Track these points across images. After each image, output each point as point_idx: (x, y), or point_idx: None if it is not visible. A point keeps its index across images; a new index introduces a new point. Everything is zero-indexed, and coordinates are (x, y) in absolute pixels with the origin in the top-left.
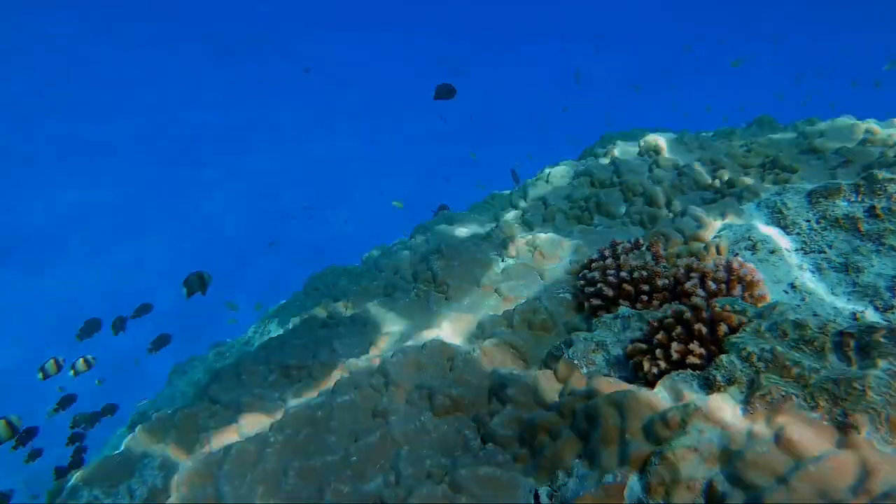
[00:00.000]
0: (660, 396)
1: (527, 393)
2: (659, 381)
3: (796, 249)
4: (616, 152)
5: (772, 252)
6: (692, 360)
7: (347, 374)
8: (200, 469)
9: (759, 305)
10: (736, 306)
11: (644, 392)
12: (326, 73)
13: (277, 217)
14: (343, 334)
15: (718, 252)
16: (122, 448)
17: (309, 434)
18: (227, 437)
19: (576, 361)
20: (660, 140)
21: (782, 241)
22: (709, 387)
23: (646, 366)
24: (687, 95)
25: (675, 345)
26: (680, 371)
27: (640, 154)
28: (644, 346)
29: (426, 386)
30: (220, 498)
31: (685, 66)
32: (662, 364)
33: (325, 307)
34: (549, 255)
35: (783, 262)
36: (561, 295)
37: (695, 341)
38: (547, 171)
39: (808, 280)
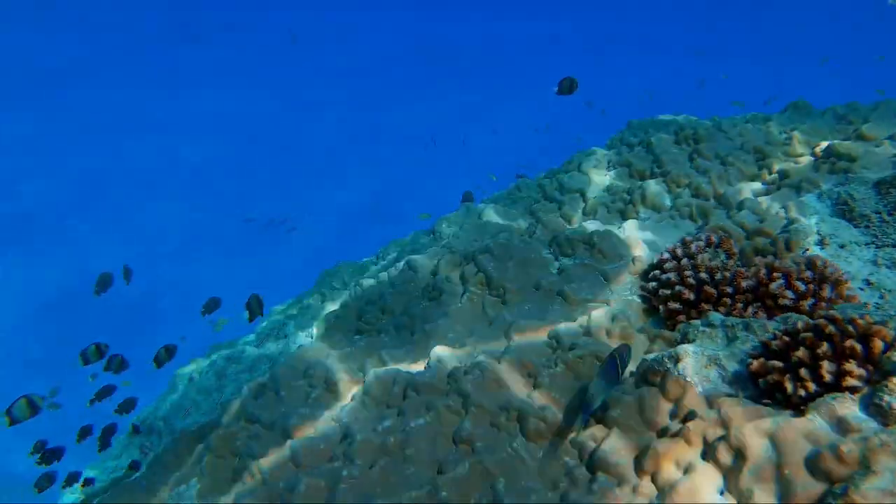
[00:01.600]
0: (816, 424)
1: (631, 413)
2: (810, 407)
3: (867, 243)
4: (653, 141)
5: (841, 247)
6: (850, 381)
7: (412, 392)
8: None
9: (869, 308)
10: (874, 316)
11: (801, 421)
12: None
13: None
14: (388, 344)
15: (788, 248)
16: (141, 475)
17: (386, 465)
18: (279, 465)
19: (688, 379)
20: (698, 128)
21: (851, 234)
22: (880, 415)
23: (788, 388)
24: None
25: (826, 364)
26: (834, 394)
27: (676, 143)
28: (777, 363)
29: (514, 407)
30: None
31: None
32: (811, 386)
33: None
34: (610, 253)
35: (854, 257)
36: (628, 298)
37: (850, 360)
38: (577, 160)
39: (886, 276)
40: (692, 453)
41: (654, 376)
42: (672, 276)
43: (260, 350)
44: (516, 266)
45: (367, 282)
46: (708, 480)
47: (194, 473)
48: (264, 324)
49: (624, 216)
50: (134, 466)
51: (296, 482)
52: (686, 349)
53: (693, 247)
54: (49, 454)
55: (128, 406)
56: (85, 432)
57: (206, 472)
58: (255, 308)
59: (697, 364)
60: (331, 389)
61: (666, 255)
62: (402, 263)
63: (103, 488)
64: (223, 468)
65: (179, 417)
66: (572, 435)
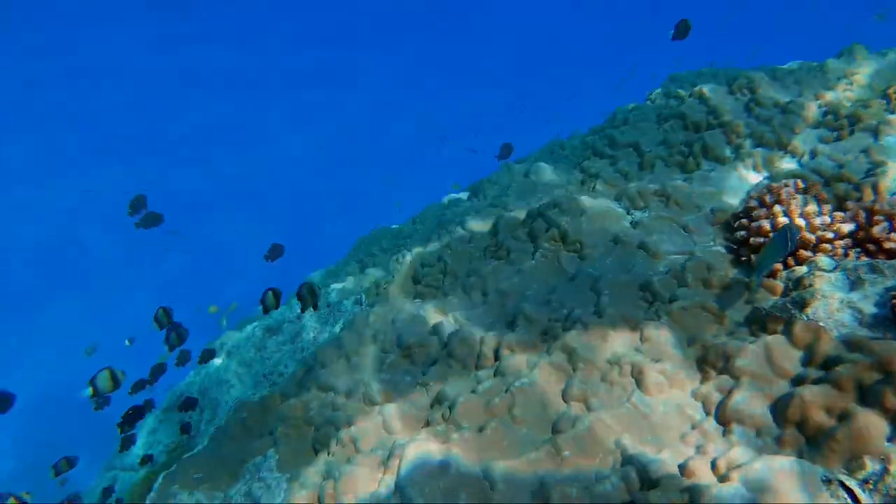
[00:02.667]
0: None
1: (759, 362)
2: None
3: None
4: (706, 91)
5: None
6: None
7: (506, 351)
8: (355, 479)
9: None
10: None
11: None
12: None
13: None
14: (459, 305)
15: (876, 192)
16: (206, 448)
17: (496, 428)
18: (370, 433)
19: (821, 323)
20: (753, 76)
21: None
22: None
23: None
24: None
25: None
26: None
27: (730, 93)
28: None
29: (626, 361)
30: None
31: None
32: None
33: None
34: (686, 204)
35: None
36: (713, 248)
37: None
38: (623, 115)
39: None
40: (845, 399)
41: (776, 323)
42: (765, 223)
43: (302, 321)
44: (590, 221)
45: (417, 247)
46: (873, 426)
47: (267, 445)
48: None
49: (684, 169)
50: (186, 429)
51: (404, 448)
52: (811, 292)
53: (784, 193)
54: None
55: (157, 374)
56: (149, 405)
57: (282, 442)
58: (308, 298)
59: (827, 308)
60: (406, 354)
61: (753, 203)
62: (454, 226)
63: (164, 462)
64: (300, 438)
65: (223, 391)
66: (744, 297)
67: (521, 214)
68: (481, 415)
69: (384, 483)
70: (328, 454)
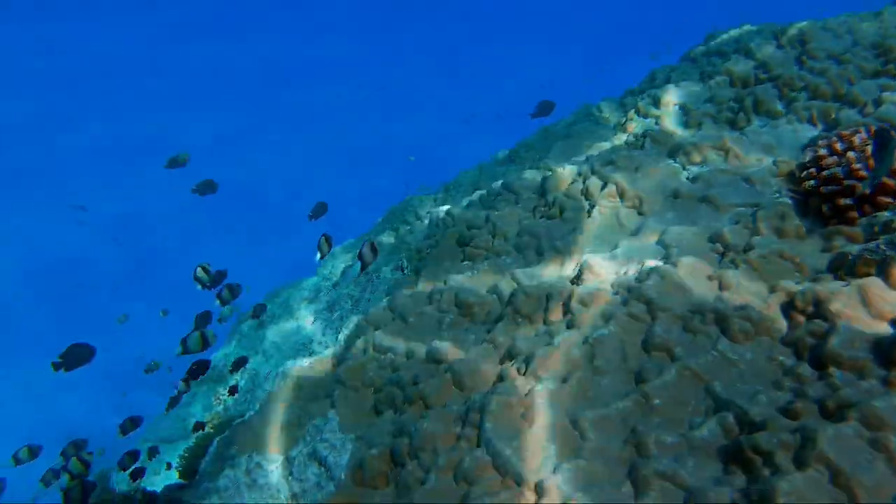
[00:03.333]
0: None
1: (853, 304)
2: None
3: None
4: (753, 46)
5: None
6: None
7: (577, 304)
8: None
9: None
10: None
11: None
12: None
13: None
14: (514, 264)
15: None
16: (258, 413)
17: (580, 378)
18: (441, 391)
19: None
20: (804, 27)
21: None
22: None
23: None
24: None
25: None
26: None
27: (779, 46)
28: None
29: (707, 309)
30: (502, 464)
31: None
32: None
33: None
34: (745, 156)
35: None
36: (778, 199)
37: None
38: (664, 74)
39: None
40: None
41: (868, 266)
42: (838, 170)
43: (339, 290)
44: (646, 176)
45: (458, 210)
46: None
47: (325, 408)
48: (326, 271)
49: (734, 125)
50: (233, 391)
51: (485, 402)
52: None
53: (857, 139)
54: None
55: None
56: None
57: (341, 404)
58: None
59: None
60: (466, 313)
61: (823, 151)
62: (498, 188)
63: (217, 426)
64: (359, 400)
65: (259, 361)
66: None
67: (570, 173)
68: (560, 367)
69: (466, 436)
70: (396, 413)
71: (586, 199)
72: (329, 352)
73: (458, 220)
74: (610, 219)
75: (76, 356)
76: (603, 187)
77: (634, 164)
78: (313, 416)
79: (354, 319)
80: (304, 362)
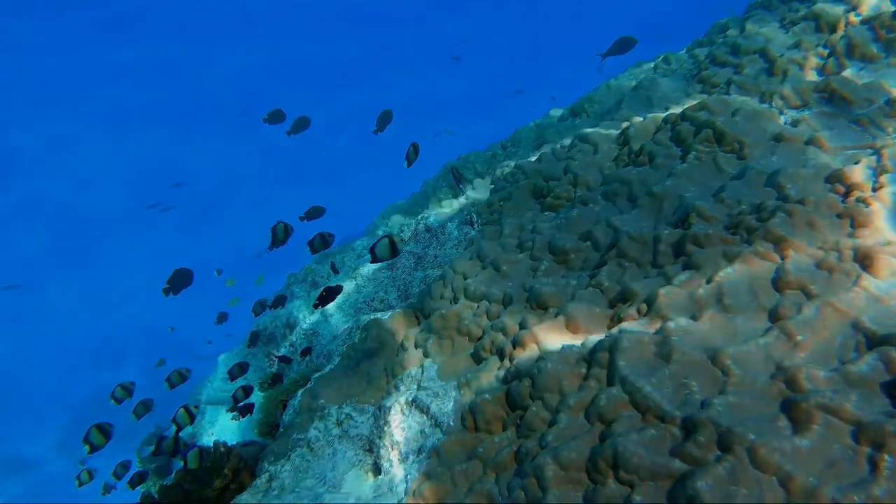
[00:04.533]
0: None
1: None
2: None
3: None
4: None
5: None
6: None
7: (691, 245)
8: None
9: None
10: None
11: None
12: None
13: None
14: (604, 213)
15: None
16: (340, 366)
17: (712, 315)
18: (553, 334)
19: None
20: None
21: None
22: None
23: None
24: None
25: None
26: None
27: None
28: None
29: (847, 246)
30: (651, 401)
31: None
32: None
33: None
34: (855, 97)
35: None
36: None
37: None
38: (737, 24)
39: None
40: None
41: None
42: None
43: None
44: (745, 120)
45: (528, 163)
46: None
47: (417, 357)
48: (380, 231)
49: (823, 72)
50: (285, 360)
51: (614, 341)
52: None
53: None
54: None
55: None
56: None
57: (436, 353)
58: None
59: None
60: (561, 259)
61: None
62: (569, 139)
63: (293, 381)
64: (455, 347)
65: (321, 321)
66: None
67: (654, 122)
68: (686, 306)
69: (594, 376)
70: (503, 359)
71: (678, 145)
72: (404, 305)
73: (532, 173)
74: (707, 164)
75: (180, 279)
76: (697, 132)
77: (730, 108)
78: (406, 366)
79: (436, 272)
80: (384, 315)
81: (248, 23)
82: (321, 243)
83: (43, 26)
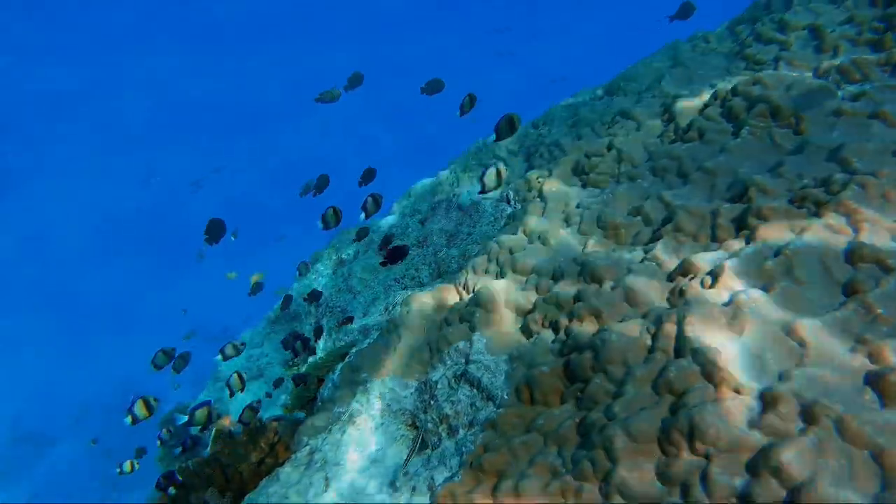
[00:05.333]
0: None
1: None
2: None
3: None
4: None
5: None
6: None
7: (755, 219)
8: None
9: None
10: None
11: None
12: None
13: None
14: (654, 188)
15: None
16: (379, 340)
17: (785, 288)
18: (613, 308)
19: None
20: None
21: None
22: None
23: None
24: None
25: None
26: None
27: None
28: None
29: None
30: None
31: None
32: None
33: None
34: None
35: None
36: None
37: None
38: (779, 2)
39: None
40: None
41: None
42: None
43: (430, 226)
44: (801, 94)
45: (566, 141)
46: None
47: (463, 332)
48: (408, 208)
49: (879, 47)
50: (318, 333)
51: (682, 312)
52: None
53: None
54: None
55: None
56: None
57: (484, 327)
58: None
59: None
60: (610, 234)
61: None
62: (610, 116)
63: (328, 357)
64: (503, 321)
65: (345, 298)
66: None
67: (698, 98)
68: (755, 279)
69: (661, 348)
70: (558, 332)
71: (729, 120)
72: (445, 280)
73: (572, 149)
74: (762, 140)
75: (216, 229)
76: (751, 107)
77: (784, 83)
78: (451, 341)
79: (475, 248)
80: (424, 290)
81: None
82: (374, 206)
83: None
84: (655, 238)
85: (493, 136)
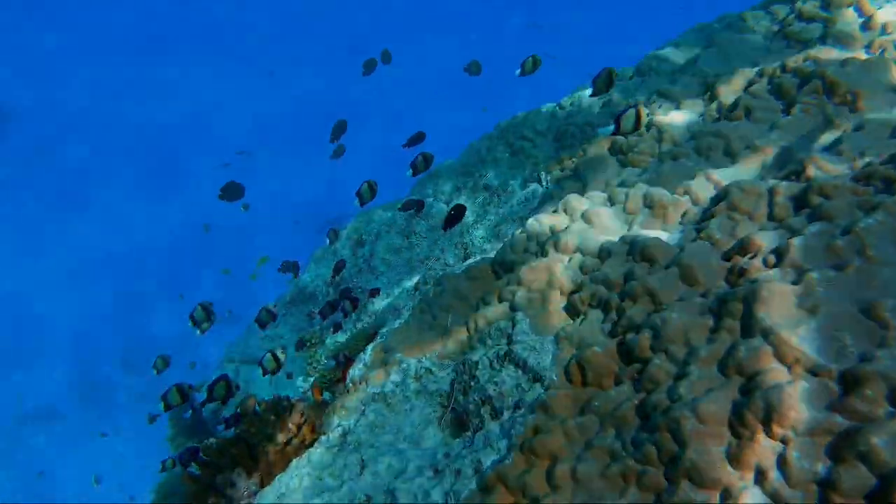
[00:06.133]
0: None
1: None
2: None
3: None
4: None
5: None
6: None
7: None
8: None
9: None
10: None
11: None
12: None
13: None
14: (695, 166)
15: None
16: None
17: (860, 267)
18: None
19: None
20: None
21: None
22: None
23: None
24: None
25: None
26: None
27: None
28: None
29: None
30: None
31: None
32: None
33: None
34: None
35: None
36: None
37: None
38: None
39: None
40: None
41: None
42: None
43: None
44: (857, 70)
45: (597, 120)
46: None
47: (502, 310)
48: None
49: None
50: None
51: (749, 291)
52: None
53: None
54: None
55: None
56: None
57: (524, 306)
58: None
59: None
60: (658, 213)
61: None
62: (648, 98)
63: (355, 337)
64: (547, 301)
65: (366, 279)
66: None
67: (742, 76)
68: (823, 258)
69: (726, 327)
70: (608, 311)
71: (778, 98)
72: (479, 259)
73: (606, 130)
74: (814, 116)
75: (233, 191)
76: (802, 84)
77: (838, 58)
78: (491, 320)
79: (510, 227)
80: (458, 269)
81: None
82: (423, 164)
83: None
84: (707, 217)
85: (523, 114)
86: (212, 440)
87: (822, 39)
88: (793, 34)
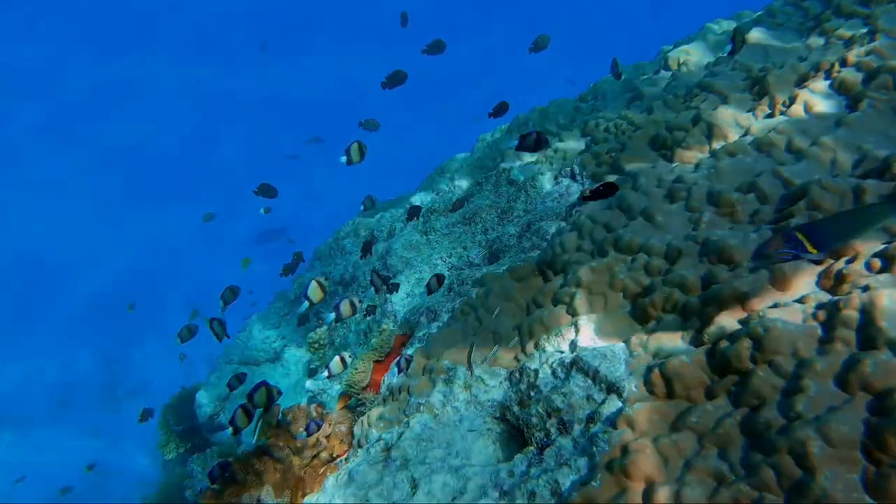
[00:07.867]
0: None
1: None
2: None
3: None
4: None
5: None
6: None
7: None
8: None
9: None
10: None
11: None
12: None
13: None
14: (755, 162)
15: None
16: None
17: None
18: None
19: None
20: None
21: None
22: None
23: None
24: None
25: None
26: None
27: None
28: None
29: None
30: None
31: None
32: None
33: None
34: None
35: None
36: None
37: None
38: None
39: None
40: None
41: None
42: None
43: (477, 202)
44: None
45: (635, 114)
46: None
47: (559, 314)
48: (444, 185)
49: None
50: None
51: (870, 299)
52: None
53: None
54: None
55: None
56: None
57: (584, 310)
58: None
59: None
60: (725, 211)
61: None
62: (684, 91)
63: (375, 345)
64: (609, 305)
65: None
66: None
67: (794, 72)
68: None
69: (840, 338)
70: (688, 317)
71: (840, 93)
72: (524, 258)
73: (647, 123)
74: (886, 112)
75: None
76: (869, 79)
77: None
78: (548, 325)
79: (549, 225)
80: (501, 270)
81: None
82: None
83: None
84: (784, 216)
85: (543, 107)
86: (239, 453)
87: (872, 33)
88: (830, 30)
